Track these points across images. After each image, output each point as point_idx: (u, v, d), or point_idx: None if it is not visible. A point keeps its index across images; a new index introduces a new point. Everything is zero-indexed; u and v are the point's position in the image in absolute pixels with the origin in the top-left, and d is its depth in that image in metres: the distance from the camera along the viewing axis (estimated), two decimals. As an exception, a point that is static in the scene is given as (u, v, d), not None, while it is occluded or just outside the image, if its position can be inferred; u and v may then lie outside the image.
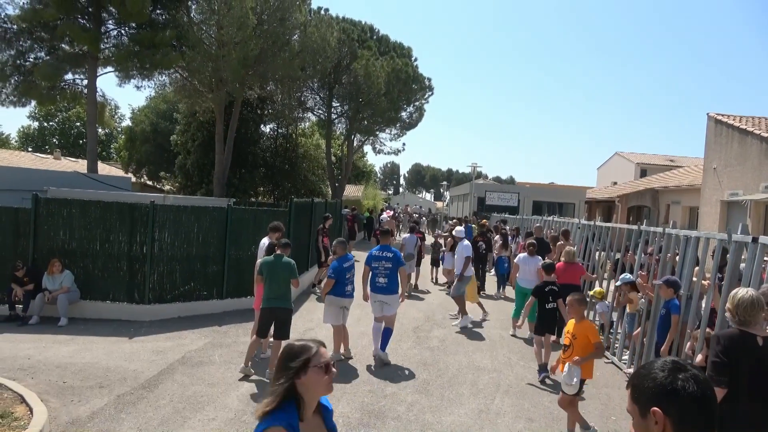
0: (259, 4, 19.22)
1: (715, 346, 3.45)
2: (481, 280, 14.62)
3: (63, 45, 18.82)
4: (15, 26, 18.01)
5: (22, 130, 50.77)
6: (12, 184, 14.29)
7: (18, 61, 18.46)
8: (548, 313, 7.29)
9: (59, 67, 18.44)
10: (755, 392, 3.28)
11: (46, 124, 50.37)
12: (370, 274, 7.70)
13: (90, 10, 18.20)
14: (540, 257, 9.67)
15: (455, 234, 11.12)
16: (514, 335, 9.34)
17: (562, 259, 9.04)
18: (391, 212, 32.58)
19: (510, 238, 15.61)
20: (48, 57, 18.76)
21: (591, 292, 9.02)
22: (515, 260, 10.30)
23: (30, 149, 43.37)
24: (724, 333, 3.56)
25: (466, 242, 10.37)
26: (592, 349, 5.19)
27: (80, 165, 26.76)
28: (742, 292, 3.58)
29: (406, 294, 8.97)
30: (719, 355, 3.35)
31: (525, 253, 9.95)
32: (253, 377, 6.62)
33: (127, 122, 41.40)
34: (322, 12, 24.25)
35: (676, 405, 1.44)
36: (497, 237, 15.31)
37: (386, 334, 7.58)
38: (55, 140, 49.24)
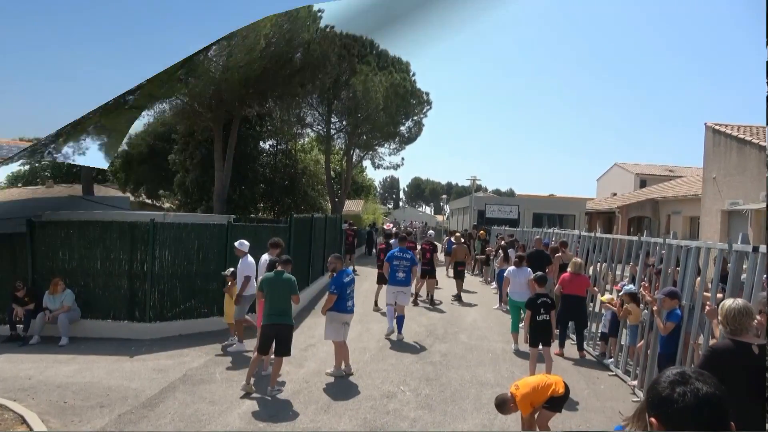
0: (273, 31, 19.14)
1: (708, 356, 3.53)
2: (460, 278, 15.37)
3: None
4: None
5: (12, 174, 49.44)
6: (7, 213, 13.94)
7: None
8: (540, 324, 7.28)
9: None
10: (754, 400, 3.28)
11: (36, 164, 49.20)
12: (390, 269, 9.87)
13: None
14: (529, 269, 9.67)
15: (237, 246, 8.82)
16: (517, 349, 9.28)
17: (569, 269, 9.03)
18: (391, 225, 33.21)
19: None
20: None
21: (601, 298, 9.02)
22: (505, 274, 10.29)
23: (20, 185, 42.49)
24: (717, 344, 3.61)
25: (250, 259, 8.59)
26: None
27: (75, 190, 26.55)
28: (729, 302, 3.65)
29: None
30: (707, 366, 3.38)
31: (513, 266, 9.94)
32: (255, 395, 6.57)
33: (122, 147, 40.94)
34: (328, 29, 24.26)
35: (671, 416, 1.48)
36: (499, 250, 15.33)
37: (400, 321, 9.60)
38: (47, 173, 48.04)
